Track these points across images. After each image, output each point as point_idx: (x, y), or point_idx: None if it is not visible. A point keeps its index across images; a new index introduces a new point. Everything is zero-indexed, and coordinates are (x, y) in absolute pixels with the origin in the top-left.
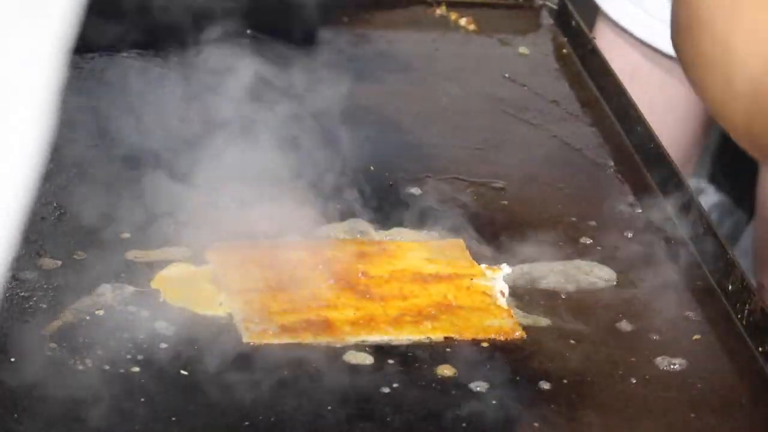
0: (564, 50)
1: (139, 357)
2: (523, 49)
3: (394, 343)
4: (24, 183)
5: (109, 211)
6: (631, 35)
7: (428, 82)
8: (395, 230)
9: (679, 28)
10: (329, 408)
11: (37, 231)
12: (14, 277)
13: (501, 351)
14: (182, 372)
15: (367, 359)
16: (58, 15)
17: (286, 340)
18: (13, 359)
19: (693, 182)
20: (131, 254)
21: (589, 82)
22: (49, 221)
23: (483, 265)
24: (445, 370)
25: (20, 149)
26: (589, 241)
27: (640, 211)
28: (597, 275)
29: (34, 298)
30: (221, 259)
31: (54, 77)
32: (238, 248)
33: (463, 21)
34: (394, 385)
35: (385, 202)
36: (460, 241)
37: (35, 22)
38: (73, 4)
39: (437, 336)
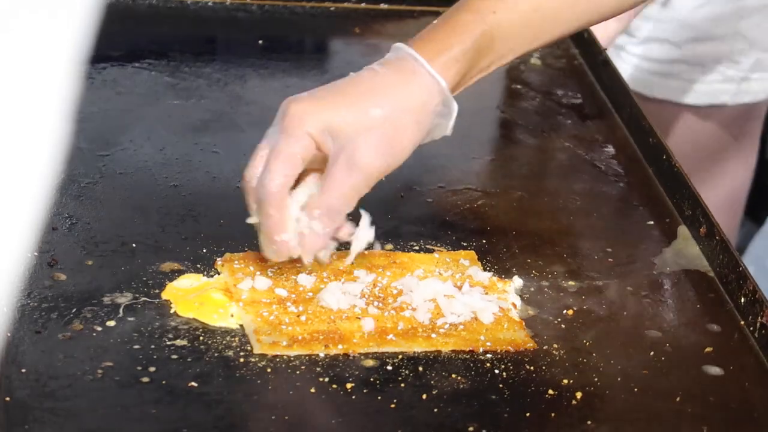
0: (576, 61)
1: (150, 368)
2: (534, 60)
3: (406, 354)
4: (37, 193)
5: (120, 221)
6: None
7: None
8: (407, 242)
9: None
10: (341, 420)
11: (48, 241)
12: (25, 288)
13: (513, 362)
14: (192, 384)
15: (379, 371)
16: (72, 26)
17: (297, 351)
18: (23, 370)
19: None
20: (142, 265)
21: (601, 93)
22: (61, 231)
23: (495, 277)
24: (457, 382)
25: (34, 160)
26: (600, 254)
27: (651, 222)
28: (608, 288)
29: (45, 309)
30: (232, 270)
31: (67, 88)
32: (249, 259)
33: None
34: (405, 398)
35: (396, 213)
36: (472, 253)
37: (49, 34)
38: (87, 15)
39: (449, 347)
